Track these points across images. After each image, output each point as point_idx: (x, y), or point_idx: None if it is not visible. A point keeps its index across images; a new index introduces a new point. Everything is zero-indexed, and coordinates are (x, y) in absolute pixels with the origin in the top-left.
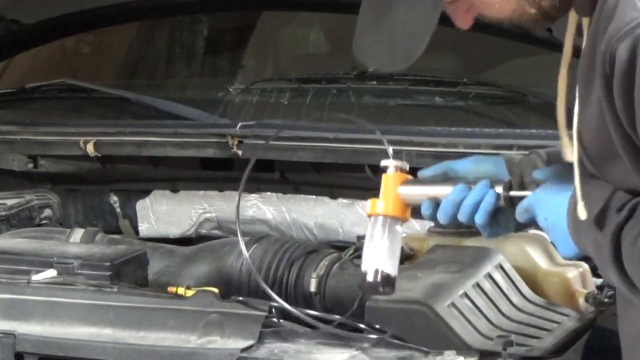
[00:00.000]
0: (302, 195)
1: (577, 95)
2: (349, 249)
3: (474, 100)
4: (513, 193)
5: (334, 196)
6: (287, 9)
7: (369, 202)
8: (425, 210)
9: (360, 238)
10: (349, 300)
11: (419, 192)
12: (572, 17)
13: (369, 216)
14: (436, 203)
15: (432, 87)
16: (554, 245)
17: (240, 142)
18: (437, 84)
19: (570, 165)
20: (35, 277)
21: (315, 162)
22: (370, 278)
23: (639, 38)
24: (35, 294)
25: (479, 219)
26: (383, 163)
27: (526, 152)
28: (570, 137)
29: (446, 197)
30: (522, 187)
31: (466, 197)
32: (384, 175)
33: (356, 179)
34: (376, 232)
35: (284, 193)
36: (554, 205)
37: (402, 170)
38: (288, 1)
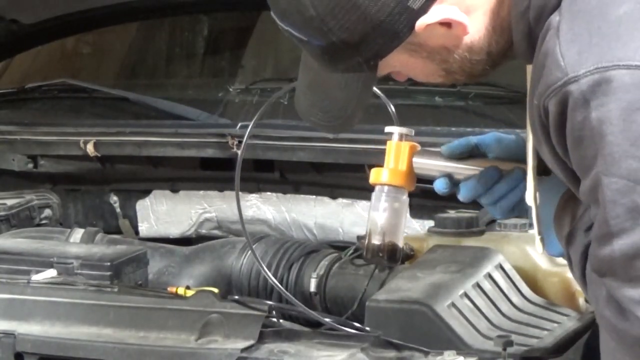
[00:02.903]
0: (302, 195)
1: (529, 132)
2: (349, 249)
3: (474, 100)
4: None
5: (334, 196)
6: None
7: (373, 171)
8: (441, 187)
9: (360, 238)
10: (349, 300)
11: (436, 166)
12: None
13: (373, 185)
14: (452, 179)
15: (432, 87)
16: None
17: (240, 142)
18: (437, 84)
19: None
20: (35, 277)
21: (315, 162)
22: (374, 248)
23: (565, 96)
24: (35, 294)
25: (506, 204)
26: (388, 129)
27: None
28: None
29: (477, 179)
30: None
31: (499, 184)
32: (389, 142)
33: (356, 179)
34: (381, 202)
35: (284, 193)
36: (544, 204)
37: (407, 137)
38: None
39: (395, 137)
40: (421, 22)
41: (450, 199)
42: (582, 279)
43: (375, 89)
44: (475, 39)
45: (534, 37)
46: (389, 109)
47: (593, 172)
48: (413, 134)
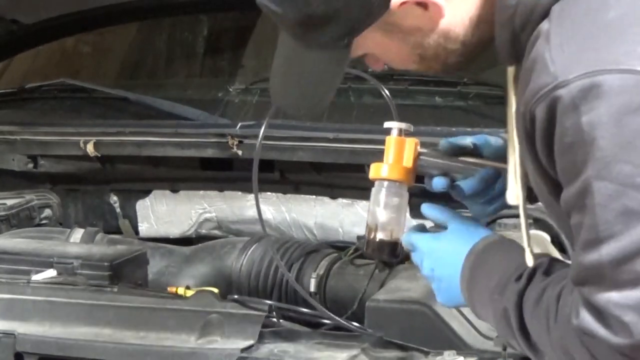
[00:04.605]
0: (302, 195)
1: (516, 142)
2: (349, 249)
3: (474, 100)
4: None
5: (334, 196)
6: None
7: (372, 166)
8: (440, 185)
9: (360, 238)
10: (349, 300)
11: (435, 164)
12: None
13: (373, 179)
14: (449, 177)
15: (432, 87)
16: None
17: (240, 142)
18: (437, 84)
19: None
20: (35, 277)
21: (315, 162)
22: (375, 243)
23: (553, 101)
24: (35, 294)
25: (499, 205)
26: (387, 124)
27: None
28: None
29: (478, 178)
30: None
31: (496, 183)
32: (388, 138)
33: (356, 179)
34: (381, 197)
35: (284, 193)
36: (447, 262)
37: (406, 133)
38: None
39: (395, 132)
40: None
41: (450, 199)
42: (521, 328)
43: (382, 86)
44: (452, 26)
45: (519, 43)
46: (390, 104)
47: (582, 177)
48: (412, 129)
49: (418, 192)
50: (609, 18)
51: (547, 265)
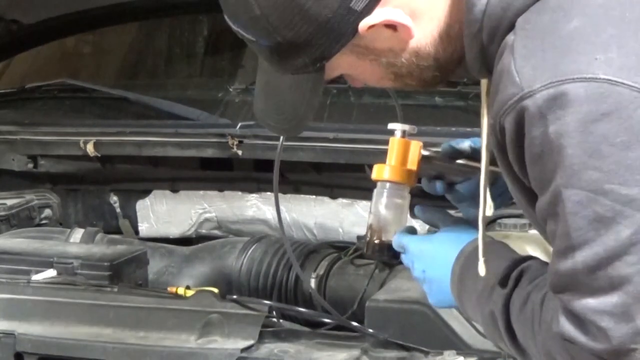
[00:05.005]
0: (302, 195)
1: (484, 140)
2: (349, 249)
3: (474, 100)
4: None
5: (334, 196)
6: None
7: (375, 167)
8: (439, 190)
9: (360, 238)
10: (349, 300)
11: (437, 167)
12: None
13: (375, 181)
14: (448, 180)
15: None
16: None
17: (240, 142)
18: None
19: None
20: (35, 277)
21: (315, 162)
22: (375, 245)
23: (521, 111)
24: (35, 294)
25: (495, 207)
26: (391, 126)
27: None
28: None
29: (477, 181)
30: None
31: (493, 186)
32: (392, 139)
33: (356, 179)
34: (383, 199)
35: (284, 193)
36: (438, 264)
37: (410, 134)
38: None
39: (398, 133)
40: (364, 24)
41: (446, 199)
42: (507, 331)
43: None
44: (422, 44)
45: (488, 56)
46: (396, 104)
47: (552, 185)
48: (416, 131)
49: (417, 192)
50: (571, 28)
51: (534, 269)
